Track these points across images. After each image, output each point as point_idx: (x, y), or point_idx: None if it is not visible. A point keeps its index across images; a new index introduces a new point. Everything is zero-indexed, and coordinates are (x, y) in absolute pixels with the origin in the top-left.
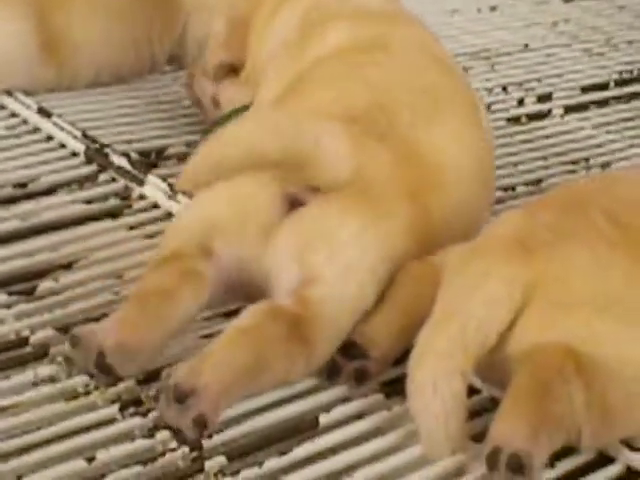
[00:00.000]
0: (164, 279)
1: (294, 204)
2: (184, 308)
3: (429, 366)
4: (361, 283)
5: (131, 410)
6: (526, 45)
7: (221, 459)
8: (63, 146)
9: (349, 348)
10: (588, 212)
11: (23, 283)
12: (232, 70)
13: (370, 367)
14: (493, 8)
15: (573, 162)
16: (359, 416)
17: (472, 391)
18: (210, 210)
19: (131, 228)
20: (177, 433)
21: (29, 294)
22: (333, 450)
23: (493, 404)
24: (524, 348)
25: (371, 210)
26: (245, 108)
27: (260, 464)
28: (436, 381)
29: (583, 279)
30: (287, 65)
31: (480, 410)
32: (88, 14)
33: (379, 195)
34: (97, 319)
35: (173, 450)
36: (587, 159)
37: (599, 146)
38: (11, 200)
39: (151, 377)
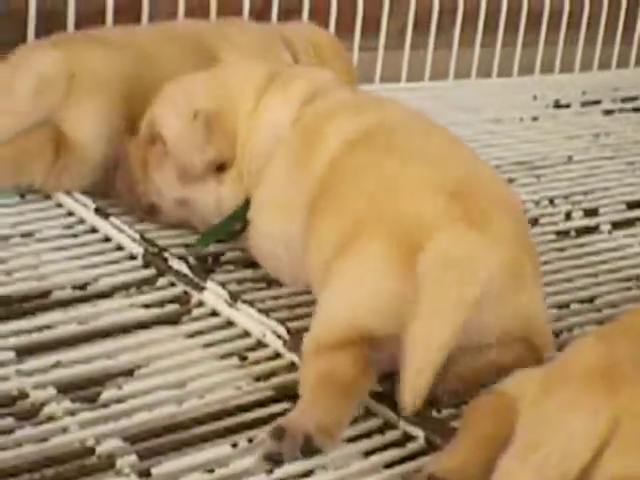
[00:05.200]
0: (343, 367)
1: None
2: (362, 394)
3: None
4: None
5: None
6: (569, 157)
7: None
8: (121, 248)
9: None
10: None
11: (85, 390)
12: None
13: None
14: (535, 118)
15: (626, 279)
16: None
17: None
18: (361, 301)
19: (190, 336)
20: None
21: (92, 401)
22: None
23: None
24: None
25: None
26: (245, 208)
27: None
28: None
29: None
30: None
31: None
32: None
33: None
34: (160, 434)
35: None
36: (639, 277)
37: None
38: (70, 302)
39: None
